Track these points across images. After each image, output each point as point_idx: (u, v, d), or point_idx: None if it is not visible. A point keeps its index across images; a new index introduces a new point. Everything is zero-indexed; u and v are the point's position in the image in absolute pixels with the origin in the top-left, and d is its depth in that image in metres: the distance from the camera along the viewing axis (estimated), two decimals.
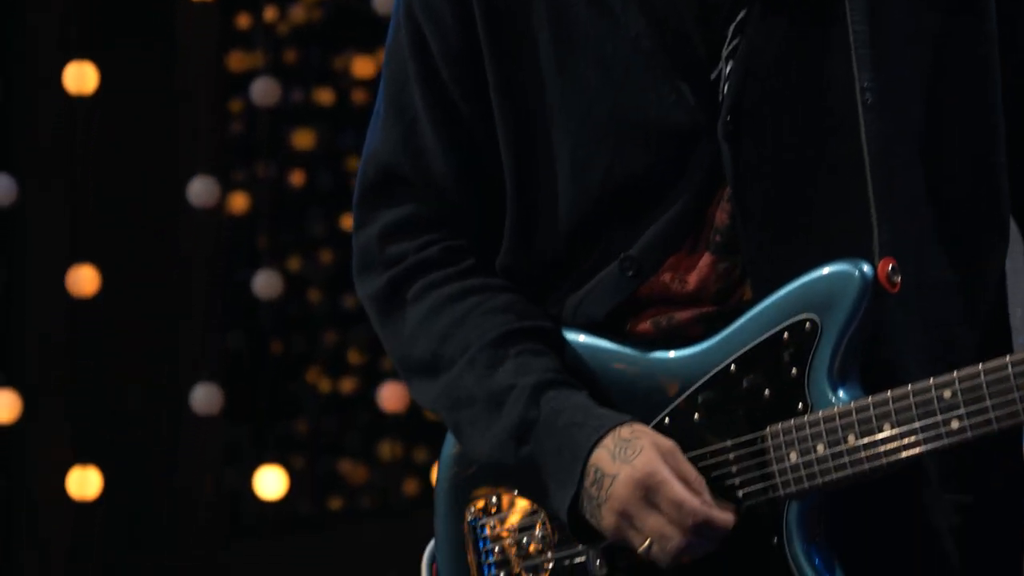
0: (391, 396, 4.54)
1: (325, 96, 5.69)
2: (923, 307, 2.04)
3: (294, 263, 5.68)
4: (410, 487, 5.46)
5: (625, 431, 1.99)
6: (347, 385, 5.62)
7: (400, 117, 2.19)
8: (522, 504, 2.15)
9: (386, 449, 5.37)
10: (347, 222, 5.66)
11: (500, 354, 2.09)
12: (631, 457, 1.96)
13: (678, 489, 1.95)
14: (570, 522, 2.03)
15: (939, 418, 1.88)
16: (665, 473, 1.95)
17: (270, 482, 4.71)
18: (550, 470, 2.03)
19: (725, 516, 1.96)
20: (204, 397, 4.48)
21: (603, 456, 1.98)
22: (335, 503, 5.56)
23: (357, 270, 2.23)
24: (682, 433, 2.02)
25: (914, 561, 2.06)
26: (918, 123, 2.05)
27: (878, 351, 2.00)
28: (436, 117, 2.17)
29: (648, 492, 1.95)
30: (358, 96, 5.63)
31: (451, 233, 2.19)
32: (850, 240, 2.00)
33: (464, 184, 2.18)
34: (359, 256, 2.22)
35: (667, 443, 1.99)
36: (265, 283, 4.61)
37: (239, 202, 5.42)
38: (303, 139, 5.52)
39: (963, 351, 2.03)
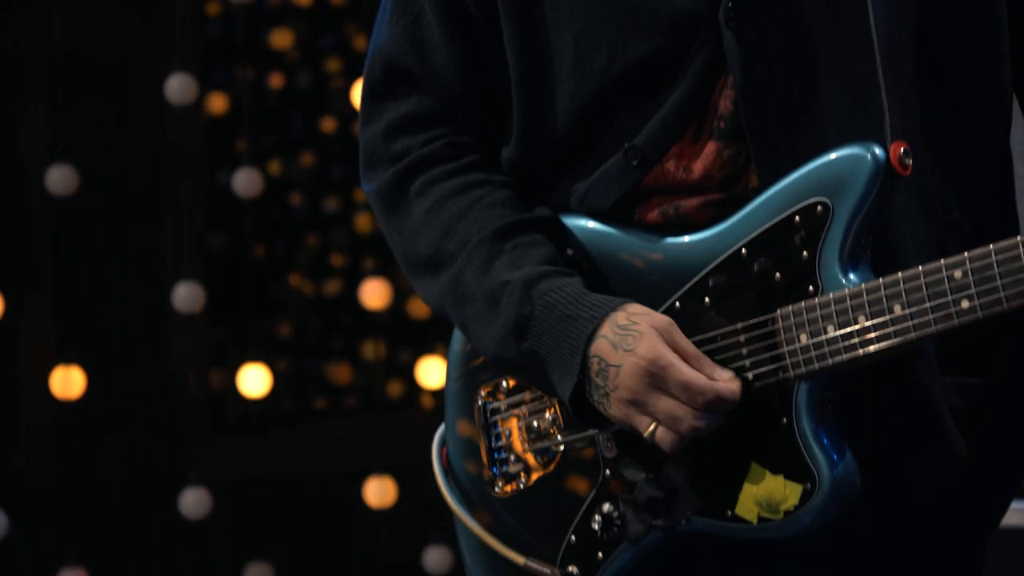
0: (372, 293, 4.54)
1: None
2: (923, 191, 2.04)
3: (275, 166, 5.65)
4: (394, 388, 5.47)
5: (620, 316, 2.00)
6: (330, 287, 5.62)
7: (405, 12, 2.20)
8: (531, 389, 2.16)
9: (369, 349, 5.37)
10: (328, 125, 5.63)
11: (497, 248, 2.10)
12: (633, 344, 1.97)
13: (684, 369, 1.96)
14: (574, 411, 2.05)
15: (949, 298, 1.89)
16: (669, 356, 1.97)
17: (253, 381, 4.72)
18: (551, 363, 2.04)
19: (731, 388, 1.98)
20: (186, 296, 4.47)
21: (604, 346, 1.99)
22: (319, 403, 5.57)
23: (363, 166, 2.24)
24: (692, 317, 2.03)
25: (922, 443, 2.08)
26: (922, 7, 2.04)
27: (881, 235, 2.00)
28: (441, 10, 2.17)
29: (655, 378, 1.97)
30: None
31: (456, 128, 2.20)
32: (859, 123, 2.00)
33: (469, 77, 2.18)
34: (365, 152, 2.24)
35: (663, 319, 2.00)
36: (245, 181, 4.59)
37: (218, 103, 5.38)
38: (281, 39, 5.46)
39: (962, 235, 2.05)
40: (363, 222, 5.54)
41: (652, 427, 1.98)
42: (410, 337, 5.32)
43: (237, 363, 4.86)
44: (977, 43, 2.07)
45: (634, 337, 1.98)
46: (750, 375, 2.00)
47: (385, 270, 4.88)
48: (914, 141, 2.00)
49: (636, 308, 2.01)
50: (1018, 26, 2.10)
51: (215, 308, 5.03)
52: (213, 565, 4.84)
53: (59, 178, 4.45)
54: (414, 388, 5.07)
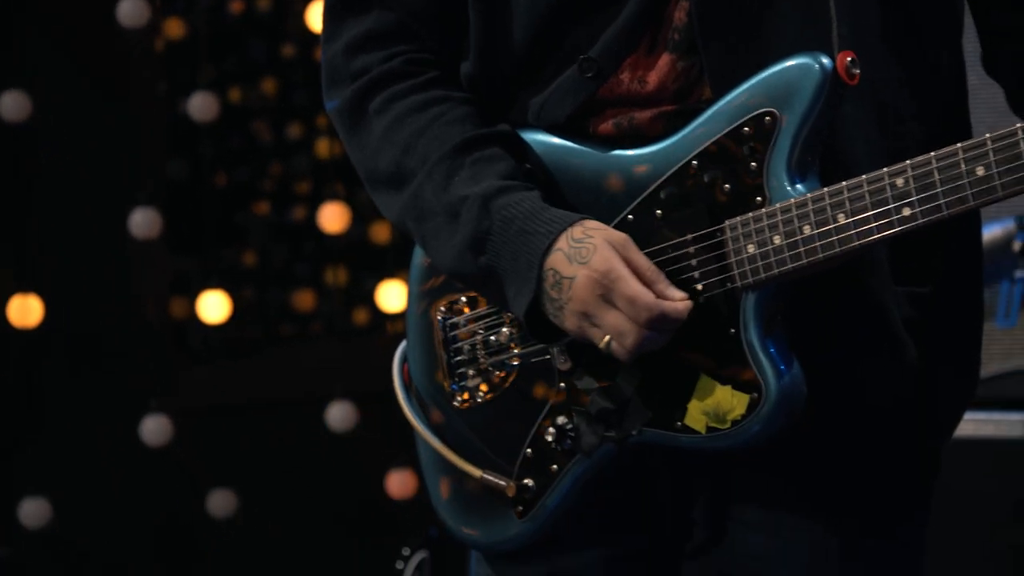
0: (331, 218, 4.52)
1: None
2: (876, 101, 2.04)
3: (235, 93, 5.61)
4: (356, 314, 5.46)
5: (577, 231, 1.99)
6: (293, 214, 5.60)
7: None
8: (489, 303, 2.16)
9: (331, 276, 5.36)
10: (288, 51, 5.57)
11: (457, 163, 2.09)
12: (586, 257, 1.97)
13: (632, 284, 1.96)
14: (529, 325, 2.05)
15: (891, 206, 1.90)
16: (621, 270, 1.97)
17: (214, 308, 4.70)
18: (508, 277, 2.03)
19: (677, 307, 1.97)
20: (143, 222, 4.44)
21: (559, 259, 1.99)
22: (281, 330, 5.57)
23: (325, 85, 2.23)
24: (645, 228, 2.03)
25: (874, 350, 2.08)
26: None
27: (830, 143, 2.00)
28: None
29: (605, 291, 1.97)
30: None
31: (416, 45, 2.18)
32: (809, 34, 1.99)
33: None
34: (326, 70, 2.23)
35: (619, 235, 2.00)
36: (201, 107, 4.55)
37: (175, 27, 5.33)
38: None
39: (917, 145, 2.03)
40: (324, 147, 5.52)
41: (605, 340, 1.98)
42: (372, 262, 5.31)
43: (198, 290, 4.84)
44: None
45: (588, 249, 1.98)
46: (699, 286, 2.00)
47: (347, 196, 4.86)
48: (867, 51, 2.00)
49: (593, 223, 2.01)
50: None
51: (176, 235, 5.00)
52: (176, 492, 4.84)
53: (12, 104, 4.41)
54: (377, 313, 5.06)
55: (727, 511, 2.13)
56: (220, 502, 4.66)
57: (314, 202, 5.11)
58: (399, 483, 4.51)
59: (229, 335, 5.18)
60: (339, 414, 4.52)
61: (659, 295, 1.97)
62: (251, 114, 5.69)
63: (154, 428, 4.44)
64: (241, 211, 5.62)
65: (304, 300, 5.48)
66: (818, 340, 2.03)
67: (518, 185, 2.06)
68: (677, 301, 1.98)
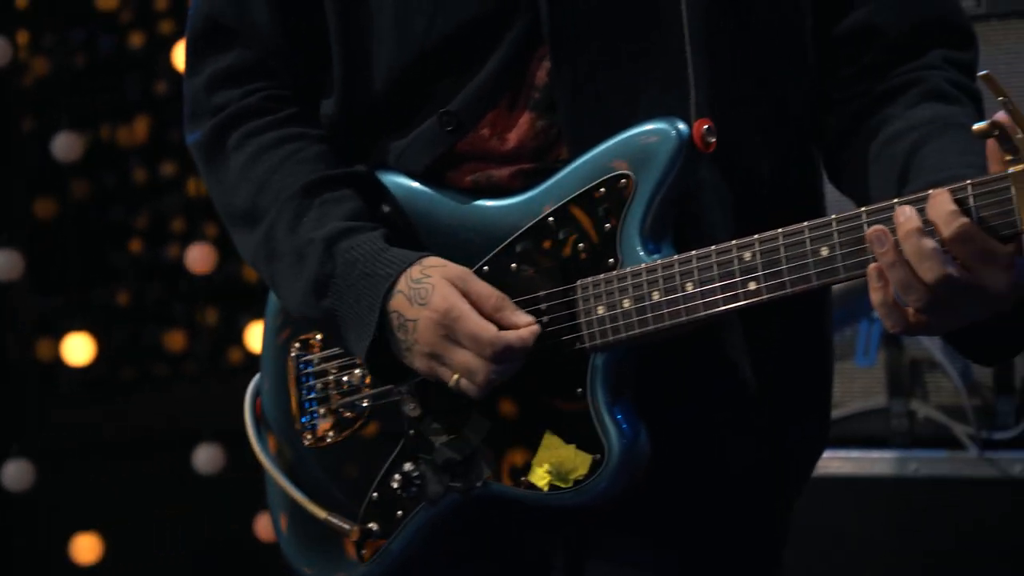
0: (198, 259, 4.49)
1: None
2: (735, 166, 2.05)
3: (107, 131, 5.56)
4: (228, 354, 5.42)
5: (415, 271, 2.00)
6: (165, 253, 5.56)
7: None
8: None
9: (202, 315, 5.31)
10: (161, 88, 5.53)
11: (306, 204, 2.09)
12: (425, 297, 1.98)
13: (473, 321, 1.96)
14: (370, 369, 2.06)
15: (738, 279, 1.90)
16: (460, 307, 1.97)
17: (79, 350, 4.65)
18: (350, 321, 2.03)
19: (521, 336, 1.97)
20: (4, 263, 4.37)
21: (400, 301, 1.99)
22: (150, 370, 5.51)
23: (186, 119, 2.23)
24: (499, 282, 2.03)
25: (724, 408, 2.09)
26: None
27: (688, 207, 2.02)
28: None
29: (447, 330, 1.97)
30: None
31: (275, 82, 2.20)
32: (667, 100, 2.00)
33: (287, 33, 2.17)
34: (188, 105, 2.23)
35: (458, 270, 2.00)
36: (65, 145, 4.50)
37: (41, 66, 5.27)
38: (107, 1, 5.37)
39: (773, 209, 2.05)
40: (198, 186, 5.48)
41: (455, 378, 1.98)
42: (244, 301, 5.27)
43: (63, 331, 4.77)
44: (783, 8, 2.07)
45: (426, 289, 1.98)
46: (550, 343, 2.01)
47: (221, 234, 4.82)
48: (726, 117, 2.01)
49: (433, 261, 2.01)
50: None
51: (42, 276, 4.93)
52: (40, 537, 4.76)
53: None
54: (248, 354, 5.02)
55: (583, 569, 2.12)
56: (84, 546, 4.59)
57: (187, 241, 5.06)
58: (268, 525, 4.47)
59: (97, 376, 5.12)
60: (206, 456, 4.48)
61: (505, 322, 1.97)
62: (124, 152, 5.64)
63: (15, 473, 4.37)
64: (113, 250, 5.56)
65: (175, 340, 5.43)
66: (671, 395, 2.05)
67: (362, 227, 2.06)
68: (522, 328, 1.97)
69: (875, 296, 1.80)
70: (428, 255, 2.02)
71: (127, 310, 5.52)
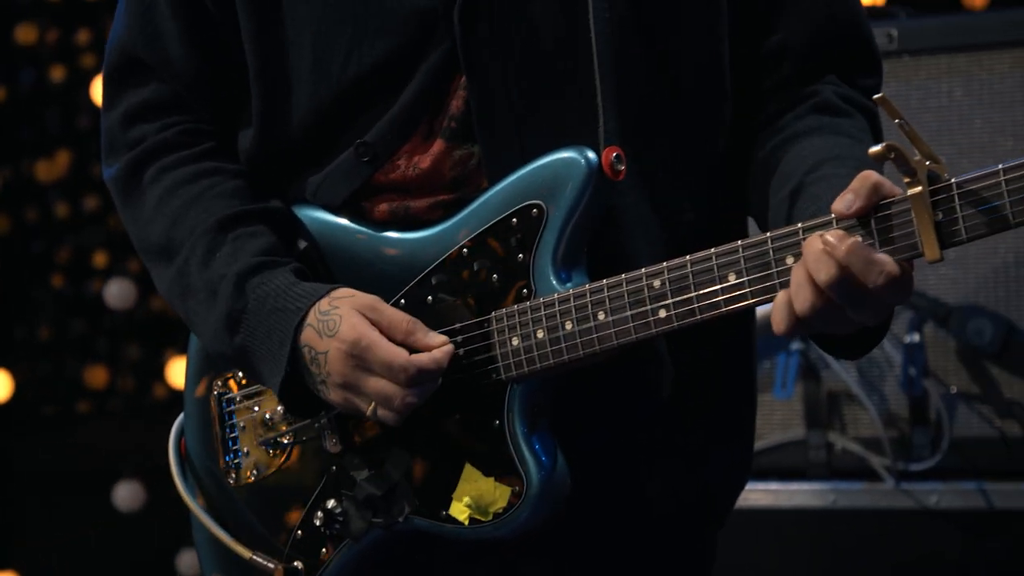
0: (116, 294, 4.46)
1: None
2: (654, 193, 2.06)
3: (28, 165, 5.52)
4: (154, 391, 5.39)
5: (324, 303, 2.00)
6: (86, 288, 5.52)
7: (140, 2, 2.19)
8: None
9: (122, 351, 5.28)
10: (83, 122, 5.50)
11: (220, 239, 2.09)
12: (333, 329, 1.98)
13: (384, 348, 1.96)
14: (284, 404, 2.06)
15: (648, 307, 1.91)
16: (370, 335, 1.97)
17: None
18: (262, 356, 2.04)
19: (434, 358, 1.97)
20: None
21: (310, 334, 1.99)
22: (70, 407, 5.47)
23: (103, 153, 2.23)
24: (415, 315, 2.02)
25: (653, 442, 2.10)
26: (651, 14, 2.06)
27: (610, 237, 2.03)
28: (173, 1, 2.16)
29: (359, 360, 1.97)
30: None
31: (191, 116, 2.19)
32: (578, 129, 2.01)
33: (203, 67, 2.17)
34: (105, 138, 2.23)
35: (367, 299, 2.00)
36: None
37: None
38: (27, 34, 5.34)
39: (695, 236, 2.06)
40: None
41: (371, 407, 1.97)
42: (166, 338, 5.24)
43: None
44: (699, 35, 2.09)
45: (334, 321, 1.98)
46: (467, 375, 2.01)
47: (142, 270, 4.79)
48: (643, 145, 2.03)
49: (342, 292, 2.01)
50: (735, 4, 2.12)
51: None
52: None
53: None
54: (170, 390, 5.00)
55: None
56: None
57: (110, 276, 5.04)
58: (189, 563, 4.44)
59: (18, 412, 5.07)
60: (126, 493, 4.44)
61: (417, 346, 1.97)
62: (44, 186, 5.59)
63: None
64: (35, 285, 5.51)
65: (97, 376, 5.39)
66: (590, 421, 2.05)
67: (273, 262, 2.06)
68: (435, 349, 1.97)
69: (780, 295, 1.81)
70: (338, 287, 2.02)
71: (48, 345, 5.47)
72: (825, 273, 1.75)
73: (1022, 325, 3.46)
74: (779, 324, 1.81)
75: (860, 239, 1.76)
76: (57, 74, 5.55)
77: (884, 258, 1.74)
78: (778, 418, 3.65)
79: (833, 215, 1.78)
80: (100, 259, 5.50)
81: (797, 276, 1.79)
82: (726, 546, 3.39)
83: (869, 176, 1.77)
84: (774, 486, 3.57)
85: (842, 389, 3.58)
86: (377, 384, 1.96)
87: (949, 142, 3.51)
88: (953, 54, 3.54)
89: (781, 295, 1.80)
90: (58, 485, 4.89)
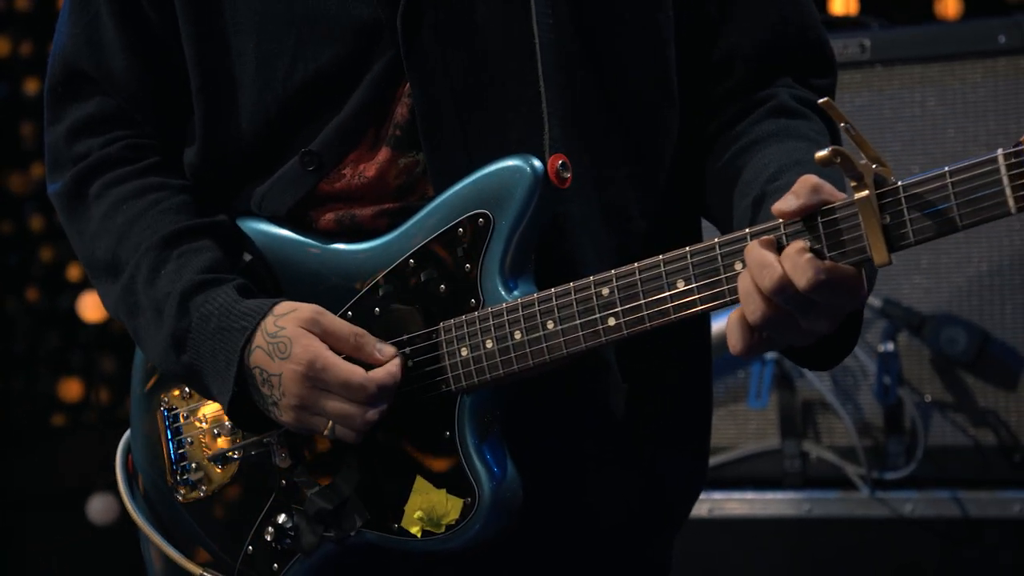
0: (89, 306, 4.45)
1: (22, 2, 5.50)
2: (603, 200, 2.05)
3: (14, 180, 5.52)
4: (125, 403, 5.37)
5: (270, 323, 1.98)
6: (64, 302, 5.50)
7: (82, 13, 2.17)
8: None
9: (95, 364, 5.26)
10: None
11: (164, 256, 2.07)
12: (285, 351, 1.95)
13: (341, 369, 1.94)
14: (234, 421, 2.05)
15: (597, 315, 1.90)
16: (325, 356, 1.95)
17: None
18: (209, 375, 2.02)
19: (391, 373, 1.96)
20: None
21: (260, 357, 1.97)
22: (44, 420, 5.45)
23: (48, 168, 2.20)
24: (363, 326, 2.01)
25: (603, 454, 2.08)
26: (595, 20, 2.05)
27: (559, 245, 2.01)
28: (116, 13, 2.14)
29: (316, 381, 1.95)
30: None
31: (137, 131, 2.17)
32: (524, 137, 2.00)
33: (147, 81, 2.15)
34: (49, 153, 2.20)
35: (308, 312, 1.97)
36: None
37: None
38: (0, 46, 5.33)
39: (645, 242, 2.05)
40: None
41: (329, 426, 1.96)
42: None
43: None
44: (644, 39, 2.07)
45: (285, 343, 1.95)
46: (415, 386, 1.99)
47: None
48: (589, 152, 2.02)
49: (283, 307, 1.99)
50: (680, 6, 2.10)
51: None
52: None
53: None
54: None
55: None
56: None
57: (83, 289, 5.03)
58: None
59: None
60: (100, 506, 4.42)
61: (367, 359, 1.96)
62: (21, 198, 5.58)
63: None
64: (9, 297, 5.50)
65: (71, 389, 5.37)
66: (540, 431, 2.04)
67: (217, 279, 2.04)
68: (388, 363, 1.96)
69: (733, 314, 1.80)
70: (279, 301, 1.99)
71: (22, 358, 5.45)
72: (768, 279, 1.74)
73: (996, 334, 3.47)
74: (735, 344, 1.79)
75: (804, 243, 1.75)
76: (31, 87, 5.54)
77: (818, 263, 1.73)
78: (753, 427, 3.65)
79: (780, 220, 1.77)
80: (75, 272, 5.49)
81: (744, 285, 1.77)
82: (702, 555, 3.40)
83: (808, 179, 1.76)
84: (749, 495, 3.57)
85: (817, 398, 3.58)
86: (336, 404, 1.95)
87: (922, 151, 3.52)
88: (926, 64, 3.55)
89: (732, 316, 1.79)
90: (32, 498, 4.87)
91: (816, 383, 3.57)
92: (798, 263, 1.73)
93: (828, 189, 1.76)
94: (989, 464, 3.48)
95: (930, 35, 3.58)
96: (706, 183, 2.10)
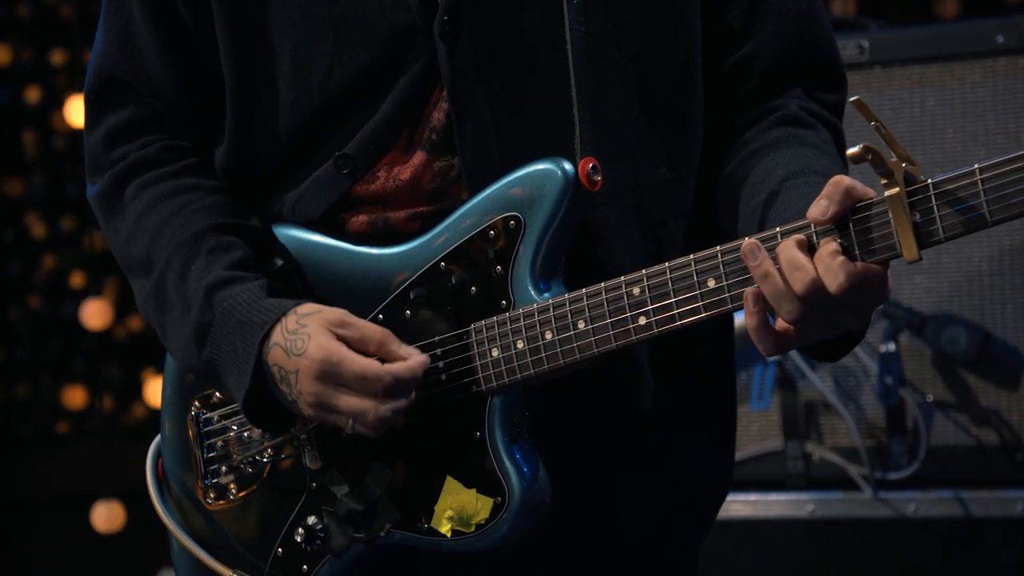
0: (93, 313, 4.45)
1: (23, 10, 5.51)
2: (638, 205, 2.07)
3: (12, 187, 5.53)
4: (134, 411, 5.38)
5: (291, 321, 1.99)
6: (67, 310, 5.51)
7: (116, 20, 2.19)
8: None
9: (102, 371, 5.27)
10: (59, 143, 5.50)
11: (194, 251, 2.09)
12: (301, 348, 1.96)
13: (355, 362, 1.95)
14: (250, 418, 2.05)
15: (628, 315, 1.92)
16: (340, 351, 1.95)
17: None
18: (227, 370, 2.03)
19: (409, 366, 1.96)
20: None
21: (278, 354, 1.98)
22: (49, 428, 5.45)
23: (87, 172, 2.23)
24: (394, 328, 2.02)
25: (632, 456, 2.10)
26: (626, 27, 2.08)
27: (593, 250, 2.04)
28: (151, 19, 2.16)
29: (331, 376, 1.96)
30: (65, 11, 5.45)
31: (172, 133, 2.20)
32: (556, 141, 2.02)
33: (182, 84, 2.18)
34: (88, 158, 2.23)
35: (334, 314, 1.99)
36: None
37: None
38: (1, 55, 5.34)
39: (676, 246, 2.08)
40: (98, 240, 5.45)
41: (349, 423, 1.97)
42: (145, 357, 5.23)
43: None
44: (673, 45, 2.11)
45: (302, 340, 1.96)
46: (447, 388, 2.01)
47: (124, 288, 4.79)
48: (623, 156, 2.04)
49: (307, 308, 2.00)
50: (705, 15, 2.14)
51: None
52: None
53: None
54: (149, 409, 4.99)
55: None
56: None
57: (85, 296, 5.03)
58: None
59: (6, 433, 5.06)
60: (105, 513, 4.43)
61: (391, 357, 1.96)
62: (22, 206, 5.59)
63: None
64: (12, 305, 5.51)
65: (75, 397, 5.38)
66: (570, 432, 2.05)
67: (243, 277, 2.05)
68: (409, 359, 1.96)
69: (750, 321, 1.82)
70: (304, 302, 2.01)
71: (26, 366, 5.46)
72: (800, 282, 1.77)
73: (997, 333, 3.48)
74: (767, 348, 1.82)
75: (836, 244, 1.77)
76: (32, 95, 5.55)
77: (850, 266, 1.76)
78: (755, 429, 3.66)
79: (810, 222, 1.79)
80: (77, 280, 5.49)
81: (774, 287, 1.80)
82: (706, 557, 3.39)
83: (841, 180, 1.79)
84: (753, 497, 3.58)
85: (819, 399, 3.59)
86: (352, 400, 1.95)
87: (922, 152, 3.53)
88: (925, 64, 3.56)
89: (751, 322, 1.81)
90: (36, 506, 4.87)
91: (818, 384, 3.58)
92: (831, 267, 1.76)
93: (860, 189, 1.79)
94: (992, 463, 3.48)
95: (928, 36, 3.59)
96: (715, 188, 2.13)
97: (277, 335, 1.98)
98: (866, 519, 3.52)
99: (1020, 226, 3.45)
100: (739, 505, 3.59)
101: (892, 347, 3.49)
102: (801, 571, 3.56)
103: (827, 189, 1.78)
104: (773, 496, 3.59)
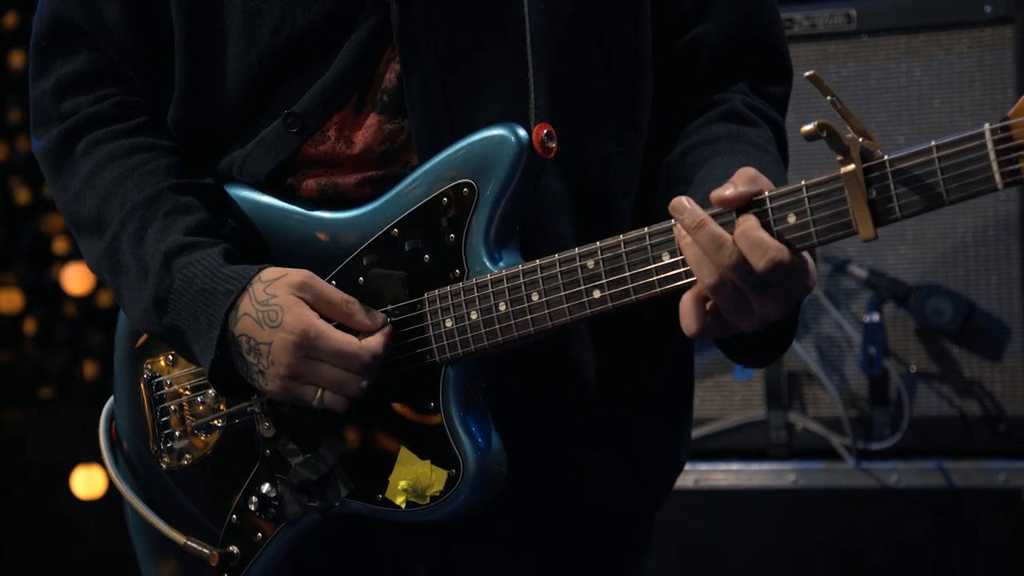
0: (73, 278, 4.43)
1: None
2: (584, 176, 2.05)
3: None
4: (88, 369, 5.36)
5: (258, 291, 1.96)
6: (49, 275, 5.49)
7: None
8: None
9: (82, 337, 5.25)
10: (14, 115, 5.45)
11: (150, 214, 2.05)
12: (276, 319, 1.94)
13: (334, 338, 1.93)
14: (216, 385, 2.02)
15: (582, 287, 1.89)
16: (318, 325, 1.93)
17: None
18: (191, 337, 2.00)
19: (382, 342, 1.95)
20: None
21: (248, 324, 1.95)
22: (31, 393, 5.44)
23: (33, 123, 2.18)
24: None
25: (579, 425, 2.08)
26: None
27: (537, 219, 2.00)
28: None
29: (308, 350, 1.93)
30: None
31: (126, 88, 2.15)
32: (509, 106, 1.99)
33: (138, 35, 2.13)
34: (35, 109, 2.17)
35: (299, 277, 1.95)
36: None
37: None
38: None
39: (624, 219, 2.06)
40: None
41: (319, 394, 1.94)
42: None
43: None
44: (628, 18, 2.07)
45: (276, 311, 1.93)
46: (400, 357, 1.98)
47: None
48: (573, 127, 2.01)
49: (270, 273, 1.96)
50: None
51: None
52: None
53: None
54: None
55: None
56: None
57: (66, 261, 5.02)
58: None
59: None
60: (85, 479, 4.42)
61: (357, 326, 1.94)
62: (5, 171, 5.57)
63: None
64: None
65: (57, 362, 5.36)
66: (521, 403, 2.03)
67: (202, 242, 2.02)
68: (378, 331, 1.95)
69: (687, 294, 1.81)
70: (266, 267, 1.97)
71: (8, 331, 5.44)
72: (727, 257, 1.76)
73: (981, 304, 3.48)
74: (689, 324, 1.80)
75: (755, 219, 1.75)
76: (16, 60, 5.51)
77: (772, 243, 1.74)
78: (738, 399, 3.66)
79: (767, 194, 1.77)
80: (60, 246, 5.47)
81: (694, 252, 1.80)
82: (687, 527, 3.40)
83: (747, 170, 1.78)
84: (735, 466, 3.58)
85: (802, 369, 3.59)
86: (330, 372, 1.93)
87: (908, 122, 3.52)
88: (912, 34, 3.55)
89: (685, 298, 1.80)
90: (18, 471, 4.86)
91: (802, 354, 3.57)
92: (750, 236, 1.75)
93: (764, 181, 1.77)
94: (974, 434, 3.49)
95: (916, 5, 3.57)
96: (658, 173, 2.11)
97: (246, 305, 1.95)
98: (849, 489, 3.52)
99: (1006, 197, 3.44)
100: (721, 475, 3.59)
101: (876, 317, 3.49)
102: (783, 540, 3.57)
103: (734, 176, 1.78)
104: (755, 466, 3.59)
